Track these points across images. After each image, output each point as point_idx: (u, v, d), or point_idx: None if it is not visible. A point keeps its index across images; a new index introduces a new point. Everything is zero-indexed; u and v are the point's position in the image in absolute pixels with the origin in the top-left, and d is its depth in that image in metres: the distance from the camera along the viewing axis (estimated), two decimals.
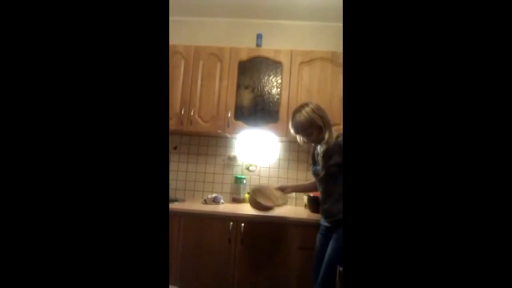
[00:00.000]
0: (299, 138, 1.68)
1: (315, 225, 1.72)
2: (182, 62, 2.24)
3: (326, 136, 1.57)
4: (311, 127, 1.57)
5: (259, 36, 2.41)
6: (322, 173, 1.57)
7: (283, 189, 1.89)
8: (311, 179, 1.82)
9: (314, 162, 1.72)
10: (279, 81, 2.20)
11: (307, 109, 1.57)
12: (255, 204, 1.79)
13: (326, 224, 1.62)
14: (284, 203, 1.86)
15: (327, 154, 1.56)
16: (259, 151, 2.47)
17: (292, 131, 1.64)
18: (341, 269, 1.20)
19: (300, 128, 1.59)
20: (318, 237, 1.68)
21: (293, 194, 2.34)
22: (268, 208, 1.79)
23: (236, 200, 2.35)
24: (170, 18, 1.96)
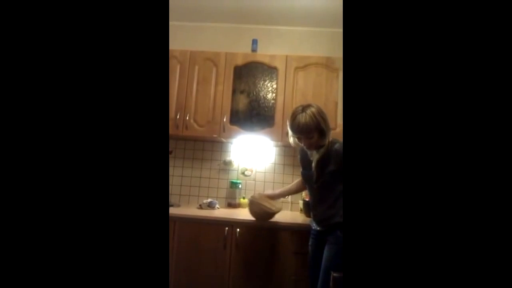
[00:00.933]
0: (293, 140, 1.58)
1: (310, 230, 1.72)
2: (178, 67, 2.25)
3: (326, 142, 1.50)
4: (315, 130, 1.47)
5: (254, 42, 2.42)
6: (318, 182, 1.52)
7: (272, 197, 1.85)
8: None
9: (304, 166, 1.67)
10: (275, 86, 2.21)
11: (312, 109, 1.48)
12: (260, 212, 1.78)
13: (318, 228, 1.60)
14: (281, 208, 1.85)
15: (324, 162, 1.50)
16: (254, 156, 2.47)
17: (291, 131, 1.54)
18: (334, 274, 1.20)
19: (304, 130, 1.47)
20: (311, 242, 1.66)
21: (289, 198, 2.35)
22: (272, 214, 1.79)
23: (232, 205, 2.34)
24: None
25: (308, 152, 1.60)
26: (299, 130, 1.49)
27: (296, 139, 1.56)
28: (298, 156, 1.74)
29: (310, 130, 1.47)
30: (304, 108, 1.49)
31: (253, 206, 1.80)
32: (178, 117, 2.19)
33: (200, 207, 2.20)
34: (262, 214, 1.79)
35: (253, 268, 1.87)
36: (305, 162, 1.66)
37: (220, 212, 2.09)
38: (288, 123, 1.54)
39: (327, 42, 2.49)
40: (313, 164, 1.54)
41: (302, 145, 1.56)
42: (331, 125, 2.09)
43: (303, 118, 1.46)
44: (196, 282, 1.87)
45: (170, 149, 2.49)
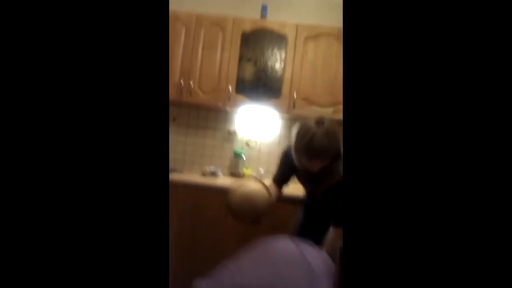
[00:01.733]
0: (300, 163, 1.21)
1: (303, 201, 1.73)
2: (183, 30, 2.16)
3: (340, 168, 1.20)
4: (333, 153, 1.16)
5: (264, 8, 2.31)
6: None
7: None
8: None
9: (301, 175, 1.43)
10: (283, 55, 2.13)
11: (330, 126, 1.15)
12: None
13: (318, 210, 1.56)
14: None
15: (333, 197, 1.29)
16: (259, 127, 2.44)
17: (300, 153, 1.18)
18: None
19: (323, 154, 1.15)
20: (304, 216, 1.62)
21: None
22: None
23: (235, 175, 2.35)
24: None
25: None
26: (315, 154, 1.15)
27: (301, 161, 1.21)
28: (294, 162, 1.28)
29: (329, 154, 1.16)
30: (319, 123, 1.15)
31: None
32: (182, 82, 2.15)
33: (203, 174, 2.21)
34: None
35: (253, 236, 1.90)
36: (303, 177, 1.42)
37: (223, 181, 2.10)
38: (295, 142, 1.18)
39: (339, 11, 2.37)
40: (324, 198, 1.42)
41: (312, 171, 1.24)
42: (340, 99, 2.07)
43: (322, 139, 1.12)
44: (198, 248, 1.93)
45: (173, 116, 2.46)
